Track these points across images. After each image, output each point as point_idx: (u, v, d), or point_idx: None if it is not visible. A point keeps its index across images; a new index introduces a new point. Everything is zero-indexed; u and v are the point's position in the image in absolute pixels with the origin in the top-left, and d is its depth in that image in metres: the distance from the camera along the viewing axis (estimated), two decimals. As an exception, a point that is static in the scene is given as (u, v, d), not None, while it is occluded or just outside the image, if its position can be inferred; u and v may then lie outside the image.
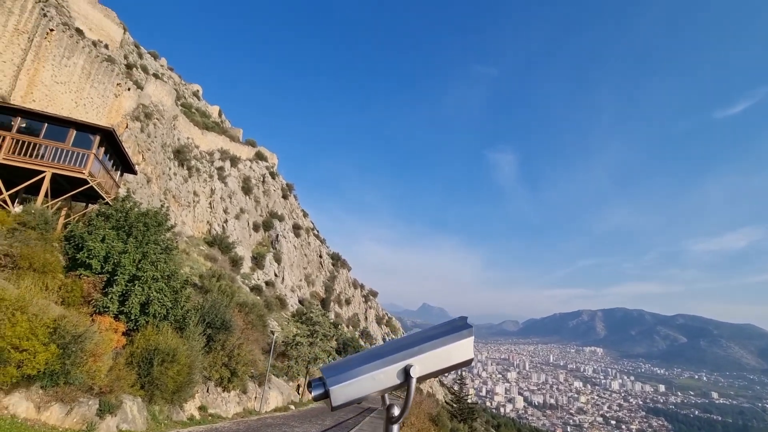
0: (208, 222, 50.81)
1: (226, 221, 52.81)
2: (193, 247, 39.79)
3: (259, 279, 50.12)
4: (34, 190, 17.79)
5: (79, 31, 31.09)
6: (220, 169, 57.03)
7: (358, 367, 1.04)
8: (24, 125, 17.47)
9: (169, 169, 44.10)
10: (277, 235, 61.20)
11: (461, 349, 1.09)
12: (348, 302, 73.33)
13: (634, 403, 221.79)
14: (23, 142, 16.93)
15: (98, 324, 11.34)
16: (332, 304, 65.72)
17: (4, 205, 16.52)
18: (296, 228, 68.38)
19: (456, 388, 40.59)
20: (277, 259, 57.38)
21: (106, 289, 13.26)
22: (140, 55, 53.91)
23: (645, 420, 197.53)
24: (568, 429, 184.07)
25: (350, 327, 66.85)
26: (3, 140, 16.62)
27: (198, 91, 72.63)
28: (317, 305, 51.72)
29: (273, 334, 29.21)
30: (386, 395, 1.12)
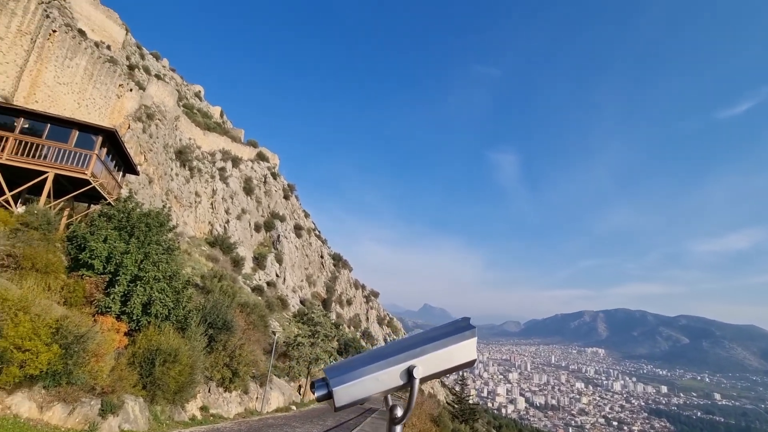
0: (209, 222, 50.89)
1: (227, 222, 52.89)
2: (195, 248, 39.86)
3: (260, 279, 50.17)
4: (37, 190, 17.84)
5: (81, 33, 31.20)
6: (222, 169, 57.13)
7: (361, 368, 1.04)
8: (27, 126, 17.53)
9: (171, 169, 44.20)
10: (279, 236, 61.25)
11: (464, 350, 1.08)
12: (349, 303, 73.32)
13: (636, 404, 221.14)
14: (26, 143, 16.99)
15: (100, 324, 11.37)
16: (333, 304, 65.72)
17: (7, 206, 16.57)
18: (298, 228, 68.43)
19: (457, 388, 40.57)
20: (279, 260, 57.43)
21: (108, 289, 13.30)
22: (142, 56, 54.06)
23: (647, 421, 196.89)
24: (570, 430, 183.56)
25: (352, 328, 66.84)
26: (6, 141, 16.68)
27: (200, 91, 72.79)
28: (319, 306, 51.75)
29: (274, 335, 29.24)
30: (389, 396, 1.12)
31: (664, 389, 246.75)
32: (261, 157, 71.47)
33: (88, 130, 18.42)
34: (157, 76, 49.61)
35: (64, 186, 18.54)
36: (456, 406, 37.06)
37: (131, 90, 36.91)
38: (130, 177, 31.21)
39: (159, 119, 42.22)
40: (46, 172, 17.01)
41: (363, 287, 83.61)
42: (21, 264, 12.06)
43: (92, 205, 21.56)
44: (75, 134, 17.86)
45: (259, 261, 53.88)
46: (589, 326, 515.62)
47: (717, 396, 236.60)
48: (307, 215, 79.37)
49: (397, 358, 1.06)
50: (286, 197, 72.10)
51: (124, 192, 25.41)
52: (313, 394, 1.06)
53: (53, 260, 12.83)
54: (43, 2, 26.04)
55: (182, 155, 47.54)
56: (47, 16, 26.16)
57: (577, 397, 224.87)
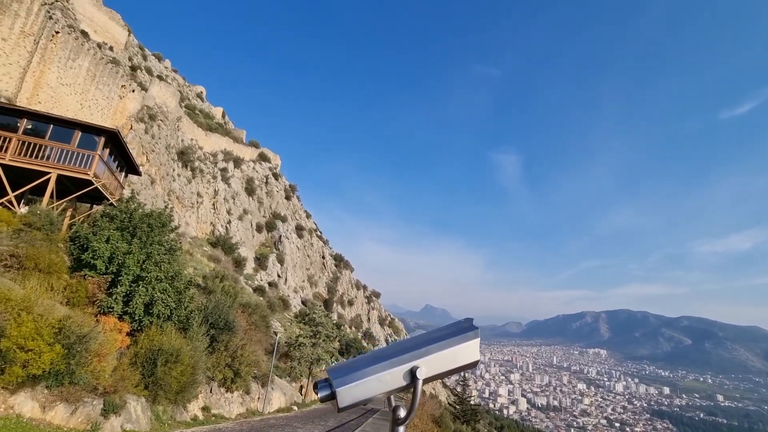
0: (211, 223, 50.98)
1: (229, 222, 52.97)
2: (197, 248, 39.93)
3: (262, 280, 50.22)
4: (40, 191, 17.90)
5: (84, 34, 31.31)
6: (224, 170, 57.24)
7: (364, 369, 1.05)
8: (30, 127, 17.60)
9: (173, 170, 44.31)
10: (280, 236, 61.32)
11: (467, 350, 1.09)
12: (351, 303, 73.32)
13: (638, 405, 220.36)
14: (29, 144, 17.06)
15: (103, 324, 11.40)
16: (335, 305, 65.73)
17: (10, 206, 16.64)
18: (299, 229, 68.49)
19: (459, 389, 40.53)
20: (280, 260, 57.49)
21: (110, 289, 13.33)
22: (144, 57, 54.22)
23: (649, 422, 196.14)
24: (572, 431, 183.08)
25: (353, 328, 66.82)
26: (9, 142, 16.75)
27: (202, 92, 72.95)
28: (320, 306, 51.76)
29: (276, 335, 29.27)
30: (392, 397, 1.12)
31: (667, 390, 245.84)
32: (263, 157, 71.59)
33: (90, 130, 18.49)
34: (160, 77, 49.74)
35: (66, 186, 18.61)
36: (458, 406, 37.01)
37: (133, 91, 37.02)
38: (133, 177, 31.30)
39: (161, 120, 42.34)
40: (49, 173, 17.08)
41: (364, 288, 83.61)
42: (24, 264, 12.10)
43: (95, 206, 21.63)
44: (78, 135, 17.93)
45: (261, 261, 53.94)
46: (590, 327, 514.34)
47: (720, 397, 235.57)
48: (308, 216, 79.44)
49: (400, 359, 1.06)
50: (287, 198, 72.18)
51: (127, 192, 25.48)
52: (317, 394, 1.06)
53: (56, 260, 12.88)
54: (45, 4, 26.16)
55: (184, 156, 47.65)
56: (50, 18, 26.27)
57: (579, 398, 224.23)
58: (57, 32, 26.79)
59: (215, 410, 16.94)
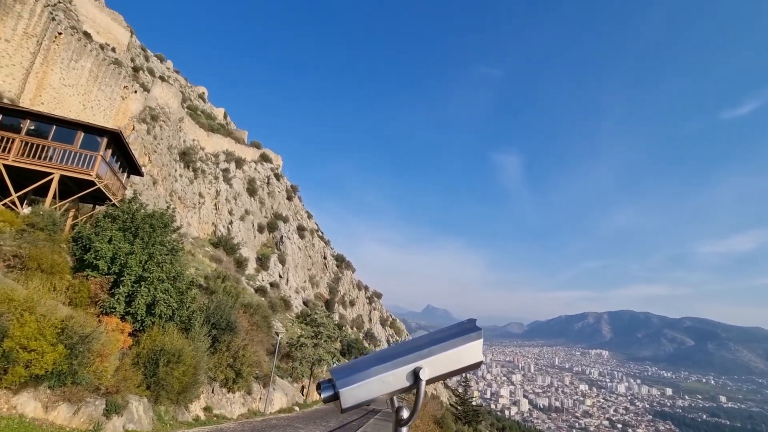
0: (213, 223, 51.07)
1: (231, 222, 53.06)
2: (199, 249, 40.00)
3: (263, 280, 50.27)
4: (43, 191, 17.98)
5: (86, 35, 31.42)
6: (226, 170, 57.34)
7: (367, 369, 1.04)
8: (33, 128, 17.68)
9: (175, 170, 44.41)
10: (282, 237, 61.37)
11: (470, 351, 1.08)
12: (352, 304, 73.32)
13: (640, 406, 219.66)
14: (32, 144, 17.13)
15: (105, 324, 11.42)
16: (336, 305, 65.75)
17: (13, 207, 16.71)
18: (301, 229, 68.54)
19: (460, 390, 40.46)
20: (282, 261, 57.54)
21: (112, 290, 13.37)
22: (147, 58, 54.37)
23: (652, 424, 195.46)
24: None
25: (354, 328, 66.81)
26: (12, 142, 16.83)
27: (203, 93, 73.11)
28: (321, 306, 51.78)
29: (277, 336, 29.28)
30: (395, 398, 1.12)
31: (669, 391, 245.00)
32: (264, 158, 71.69)
33: (93, 131, 18.56)
34: (162, 78, 49.88)
35: (69, 187, 18.68)
36: (459, 407, 36.94)
37: (136, 92, 37.13)
38: (135, 178, 31.39)
39: (163, 121, 42.45)
40: (52, 174, 17.15)
41: (366, 288, 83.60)
42: (27, 264, 12.15)
43: (97, 206, 21.70)
44: (80, 136, 18.00)
45: (263, 262, 54.01)
46: (592, 328, 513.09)
47: (722, 398, 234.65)
48: (309, 216, 79.50)
49: (404, 360, 1.06)
50: (289, 198, 72.26)
51: (129, 193, 25.55)
52: (320, 395, 1.06)
53: (58, 261, 12.92)
54: (48, 5, 26.27)
55: (186, 156, 47.76)
56: (53, 19, 26.38)
57: (581, 399, 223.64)
58: (60, 33, 26.90)
59: (217, 410, 16.97)
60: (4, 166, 16.57)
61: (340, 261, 78.89)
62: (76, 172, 17.51)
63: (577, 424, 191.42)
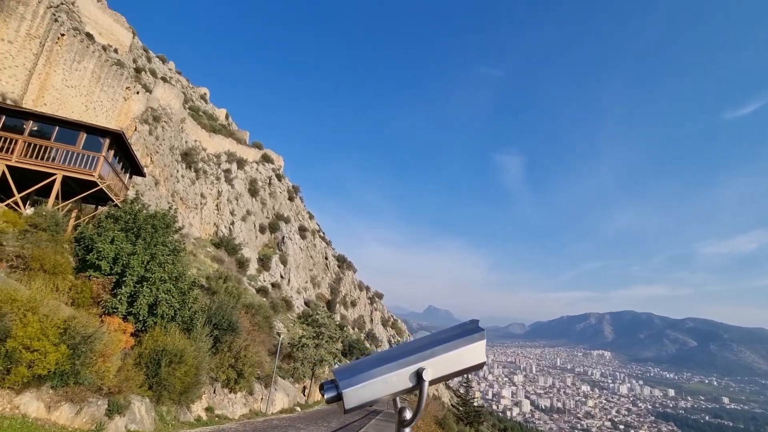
0: (215, 224, 51.17)
1: (232, 223, 53.15)
2: (200, 249, 40.07)
3: (265, 281, 50.33)
4: (46, 192, 18.05)
5: (89, 36, 31.55)
6: (227, 171, 57.45)
7: (370, 370, 1.04)
8: (35, 128, 17.76)
9: (177, 171, 44.52)
10: (283, 237, 61.44)
11: (473, 352, 1.08)
12: (354, 304, 73.33)
13: (643, 407, 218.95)
14: (35, 145, 17.20)
15: (107, 325, 11.45)
16: (338, 305, 65.76)
17: (16, 207, 16.77)
18: (302, 230, 68.60)
19: (462, 391, 40.40)
20: (283, 261, 57.59)
21: (115, 290, 13.40)
22: (149, 59, 54.55)
23: (654, 425, 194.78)
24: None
25: (356, 329, 66.81)
26: (15, 143, 16.90)
27: (205, 94, 73.29)
28: (323, 307, 51.79)
29: (279, 336, 29.30)
30: (397, 398, 1.12)
31: (672, 392, 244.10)
32: (266, 158, 71.80)
33: (95, 132, 18.62)
34: (164, 79, 50.01)
35: (72, 188, 18.74)
36: (461, 408, 36.89)
37: (138, 93, 37.24)
38: (137, 179, 31.47)
39: (165, 121, 42.56)
40: (55, 174, 17.21)
41: (367, 289, 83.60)
42: (30, 265, 12.19)
43: (99, 207, 21.77)
44: (83, 136, 18.06)
45: (264, 262, 54.06)
46: (594, 328, 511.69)
47: (725, 400, 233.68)
48: (311, 216, 79.56)
49: (406, 361, 1.05)
50: (290, 198, 72.34)
51: (131, 194, 25.62)
52: (323, 395, 1.06)
53: (61, 261, 12.96)
54: (51, 6, 26.37)
55: (188, 157, 47.87)
56: (56, 20, 26.49)
57: (583, 400, 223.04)
58: (62, 35, 27.01)
59: (219, 411, 16.98)
60: (8, 166, 16.64)
61: (342, 261, 78.92)
62: (78, 173, 17.57)
63: (579, 426, 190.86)
